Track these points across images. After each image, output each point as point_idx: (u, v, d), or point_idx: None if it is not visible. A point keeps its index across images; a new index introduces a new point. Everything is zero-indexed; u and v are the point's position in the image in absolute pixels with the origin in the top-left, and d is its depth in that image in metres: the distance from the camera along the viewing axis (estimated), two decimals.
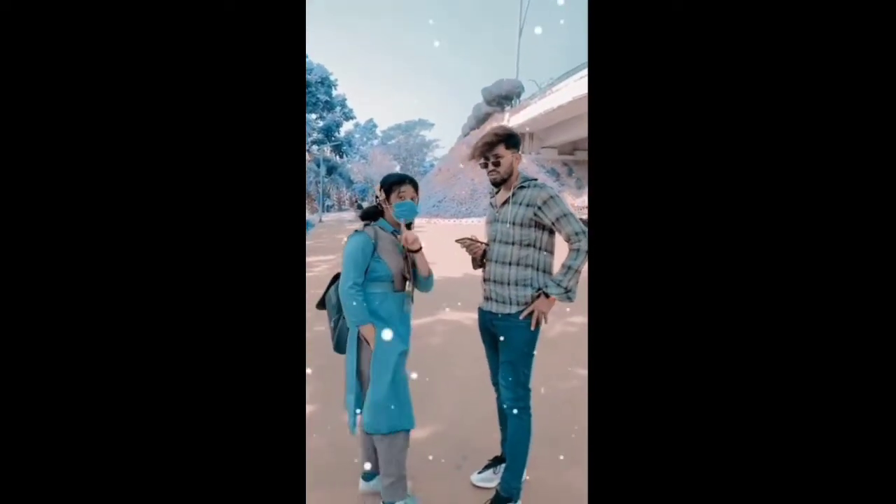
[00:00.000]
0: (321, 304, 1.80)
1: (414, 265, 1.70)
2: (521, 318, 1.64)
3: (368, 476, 1.82)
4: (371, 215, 1.74)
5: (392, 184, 1.69)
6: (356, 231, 1.66)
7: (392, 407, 1.61)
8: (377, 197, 1.74)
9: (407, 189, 1.68)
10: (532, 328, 1.64)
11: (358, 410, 1.66)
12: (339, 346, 1.74)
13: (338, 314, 1.72)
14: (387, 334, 1.58)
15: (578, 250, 1.57)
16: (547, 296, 1.62)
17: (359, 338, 1.63)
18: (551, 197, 1.60)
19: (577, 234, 1.58)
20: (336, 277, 1.74)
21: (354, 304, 1.58)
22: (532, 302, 1.64)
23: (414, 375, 1.91)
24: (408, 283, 1.71)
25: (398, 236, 1.69)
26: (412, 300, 1.74)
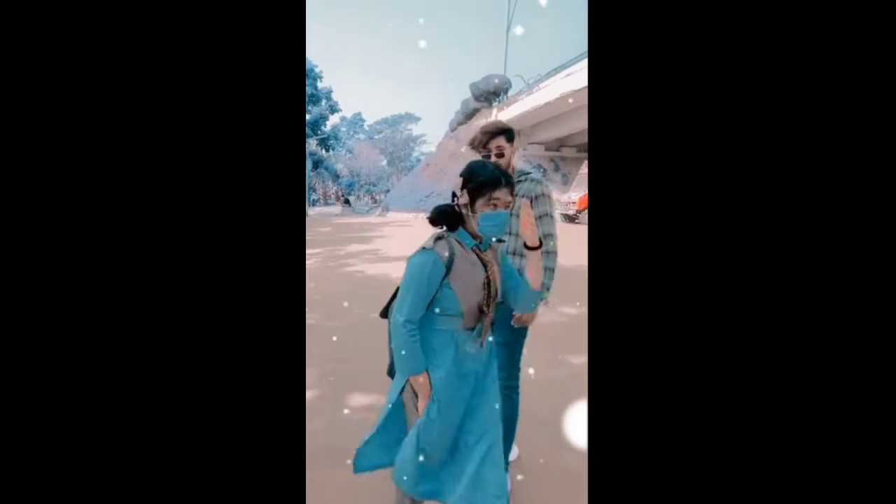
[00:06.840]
0: (384, 314, 1.34)
1: (496, 293, 1.23)
2: (513, 324, 1.68)
3: None
4: (448, 219, 1.22)
5: (483, 185, 1.17)
6: (423, 248, 1.17)
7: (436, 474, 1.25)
8: (456, 196, 1.22)
9: (502, 195, 1.17)
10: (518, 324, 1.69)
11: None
12: (393, 370, 1.35)
13: None
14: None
15: (548, 252, 1.68)
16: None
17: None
18: (543, 194, 1.72)
19: (548, 235, 1.68)
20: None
21: (404, 351, 1.15)
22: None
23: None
24: (485, 316, 1.23)
25: (490, 249, 1.24)
26: (489, 337, 1.28)
